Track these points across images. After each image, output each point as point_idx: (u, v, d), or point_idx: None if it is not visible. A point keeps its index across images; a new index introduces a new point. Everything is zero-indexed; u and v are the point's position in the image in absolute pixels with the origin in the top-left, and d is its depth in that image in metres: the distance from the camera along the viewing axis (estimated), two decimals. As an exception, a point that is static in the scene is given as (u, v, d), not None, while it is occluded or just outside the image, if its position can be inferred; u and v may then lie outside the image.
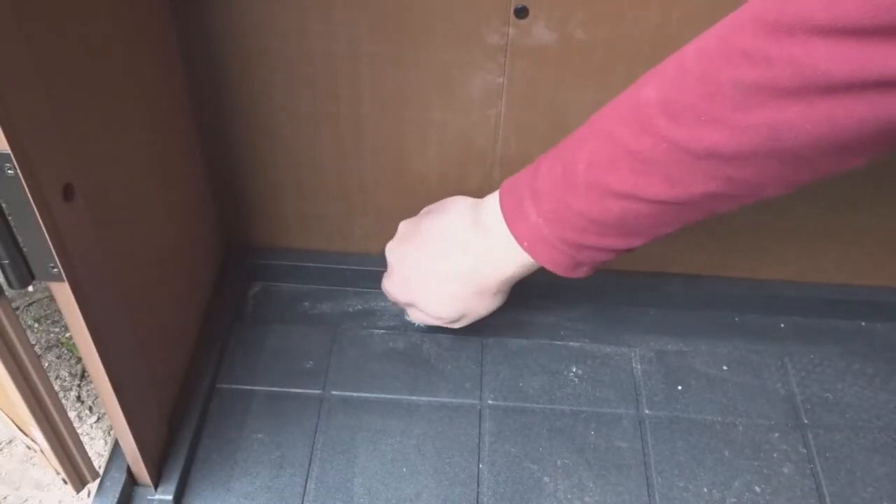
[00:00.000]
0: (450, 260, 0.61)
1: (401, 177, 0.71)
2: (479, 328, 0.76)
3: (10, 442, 0.73)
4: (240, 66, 0.63)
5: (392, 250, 0.67)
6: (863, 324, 0.80)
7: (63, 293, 0.44)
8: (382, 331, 0.76)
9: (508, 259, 0.58)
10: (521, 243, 0.56)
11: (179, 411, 0.66)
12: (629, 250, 0.55)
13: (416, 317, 0.69)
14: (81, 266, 0.45)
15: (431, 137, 0.68)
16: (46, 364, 0.81)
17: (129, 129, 0.54)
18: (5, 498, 0.69)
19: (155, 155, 0.59)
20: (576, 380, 0.72)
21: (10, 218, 0.40)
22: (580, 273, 0.56)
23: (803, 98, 0.39)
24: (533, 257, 0.56)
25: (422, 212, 0.67)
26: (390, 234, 0.77)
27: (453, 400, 0.70)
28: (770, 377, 0.74)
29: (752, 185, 0.46)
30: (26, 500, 0.69)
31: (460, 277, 0.61)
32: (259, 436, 0.67)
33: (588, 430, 0.68)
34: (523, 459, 0.66)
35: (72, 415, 0.75)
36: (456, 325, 0.67)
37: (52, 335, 0.83)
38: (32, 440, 0.55)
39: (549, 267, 0.56)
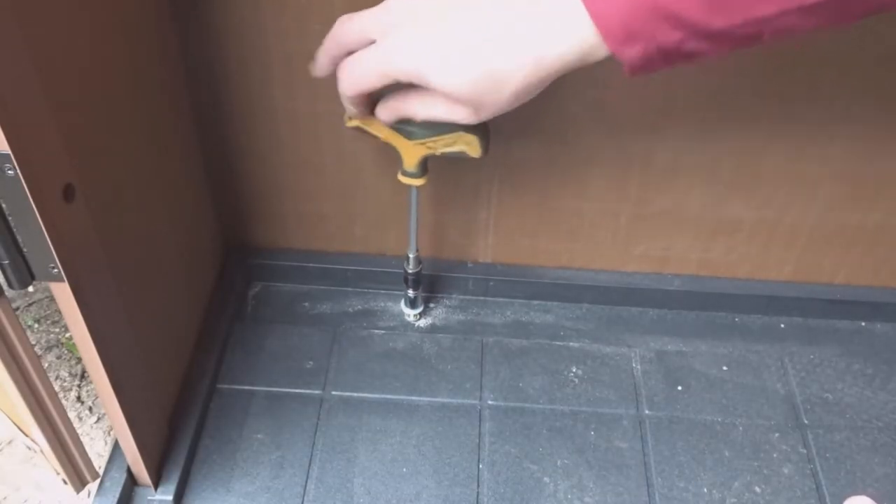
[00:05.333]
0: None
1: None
2: (479, 328, 0.76)
3: (10, 442, 0.73)
4: (240, 65, 0.63)
5: None
6: (863, 324, 0.80)
7: (63, 293, 0.44)
8: (382, 331, 0.76)
9: (551, 19, 0.43)
10: None
11: (179, 411, 0.66)
12: (706, 37, 0.41)
13: (395, 104, 0.49)
14: (81, 266, 0.45)
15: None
16: (46, 364, 0.80)
17: (129, 129, 0.54)
18: (5, 498, 0.69)
19: (155, 155, 0.59)
20: (576, 380, 0.72)
21: (10, 218, 0.40)
22: (630, 51, 0.42)
23: None
24: None
25: None
26: (390, 234, 0.77)
27: (453, 400, 0.70)
28: (770, 377, 0.74)
29: None
30: (26, 501, 0.69)
31: (494, 25, 0.44)
32: (259, 436, 0.67)
33: (588, 430, 0.68)
34: (523, 459, 0.66)
35: (72, 415, 0.74)
36: (460, 112, 0.47)
37: (52, 335, 0.83)
38: (32, 440, 0.55)
39: (594, 18, 0.42)
